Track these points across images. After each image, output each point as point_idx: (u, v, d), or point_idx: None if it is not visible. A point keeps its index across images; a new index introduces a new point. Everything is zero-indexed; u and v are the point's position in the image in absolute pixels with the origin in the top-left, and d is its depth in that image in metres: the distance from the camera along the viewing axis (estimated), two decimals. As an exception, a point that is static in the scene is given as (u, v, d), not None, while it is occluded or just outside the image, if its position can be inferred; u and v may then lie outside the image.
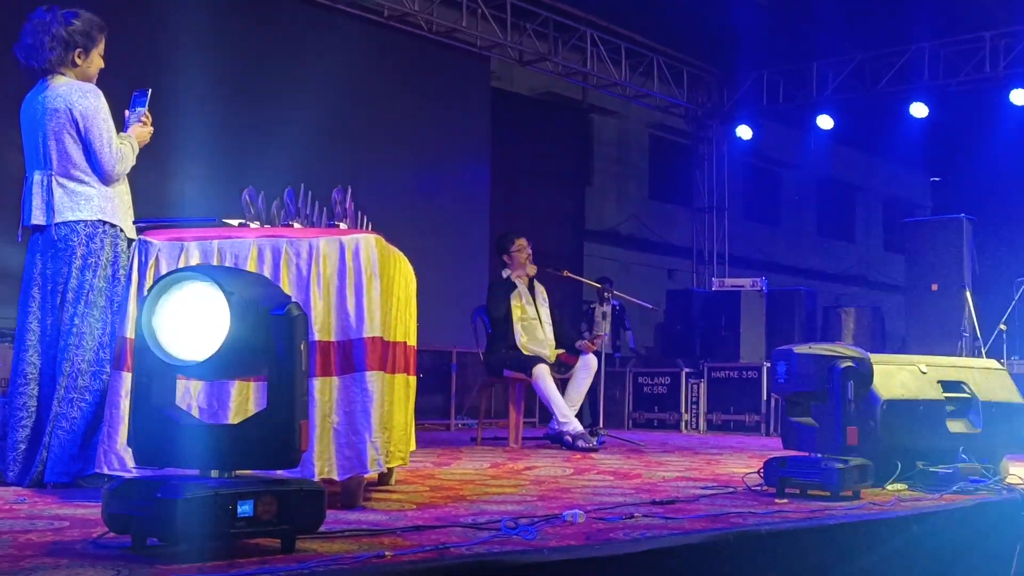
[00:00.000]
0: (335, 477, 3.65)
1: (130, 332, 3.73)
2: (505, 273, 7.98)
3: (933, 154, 16.40)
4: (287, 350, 2.73)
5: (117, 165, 4.38)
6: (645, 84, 14.16)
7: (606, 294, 8.99)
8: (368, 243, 3.80)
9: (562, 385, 7.71)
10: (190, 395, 3.66)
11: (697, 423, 11.16)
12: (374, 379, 3.71)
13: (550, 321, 7.98)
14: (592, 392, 8.03)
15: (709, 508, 3.81)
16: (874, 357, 4.76)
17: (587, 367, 7.82)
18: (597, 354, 7.93)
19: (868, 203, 22.52)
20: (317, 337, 3.67)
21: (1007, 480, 4.72)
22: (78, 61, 4.45)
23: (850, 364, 4.26)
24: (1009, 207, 14.05)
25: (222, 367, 2.76)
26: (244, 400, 3.69)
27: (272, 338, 2.71)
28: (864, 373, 4.34)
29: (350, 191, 4.23)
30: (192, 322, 2.73)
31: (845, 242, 21.75)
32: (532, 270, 7.95)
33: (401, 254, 4.36)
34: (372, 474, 3.89)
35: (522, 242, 8.00)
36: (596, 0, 12.65)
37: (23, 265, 4.44)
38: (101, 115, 4.36)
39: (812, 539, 3.32)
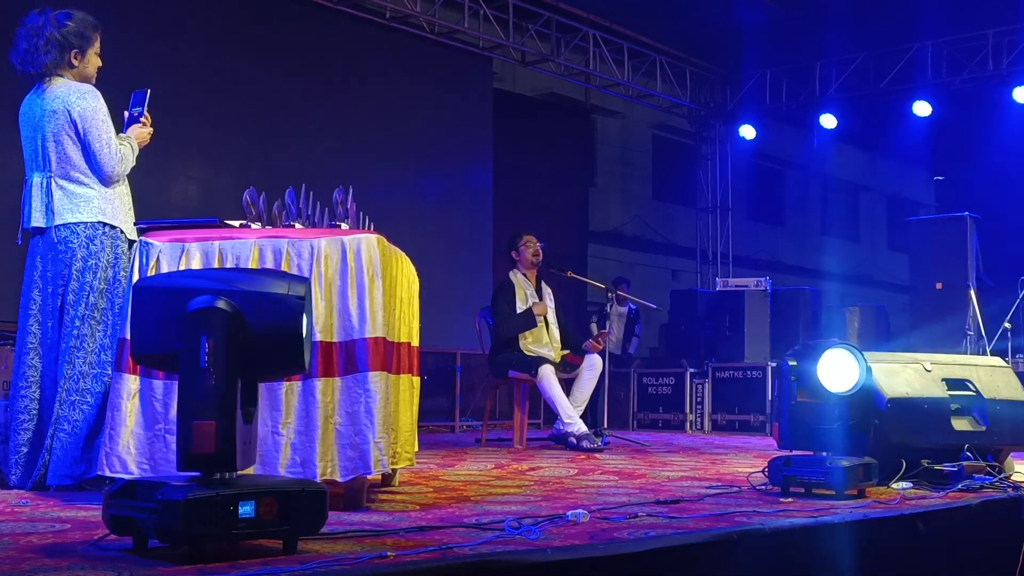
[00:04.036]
0: (338, 478, 3.64)
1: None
2: (511, 274, 7.98)
3: (937, 152, 16.38)
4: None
5: (117, 166, 4.37)
6: (648, 84, 14.14)
7: (610, 294, 8.96)
8: (370, 243, 3.79)
9: (567, 385, 7.70)
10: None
11: (702, 423, 11.14)
12: (377, 379, 3.70)
13: (556, 323, 7.97)
14: (596, 392, 8.02)
15: (713, 507, 3.79)
16: (879, 355, 4.74)
17: (592, 367, 7.80)
18: (602, 354, 7.92)
19: (872, 202, 22.50)
20: (319, 337, 3.66)
21: (1012, 478, 4.70)
22: (75, 62, 4.44)
23: (793, 363, 4.26)
24: (1013, 205, 14.02)
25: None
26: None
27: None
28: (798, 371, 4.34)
29: (352, 191, 4.22)
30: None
31: (849, 241, 21.71)
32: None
33: (403, 254, 4.35)
34: (375, 475, 3.88)
35: (530, 237, 8.01)
36: (598, 0, 12.62)
37: (24, 268, 4.44)
38: (100, 116, 4.35)
39: (817, 538, 3.31)
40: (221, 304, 2.65)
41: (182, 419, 2.65)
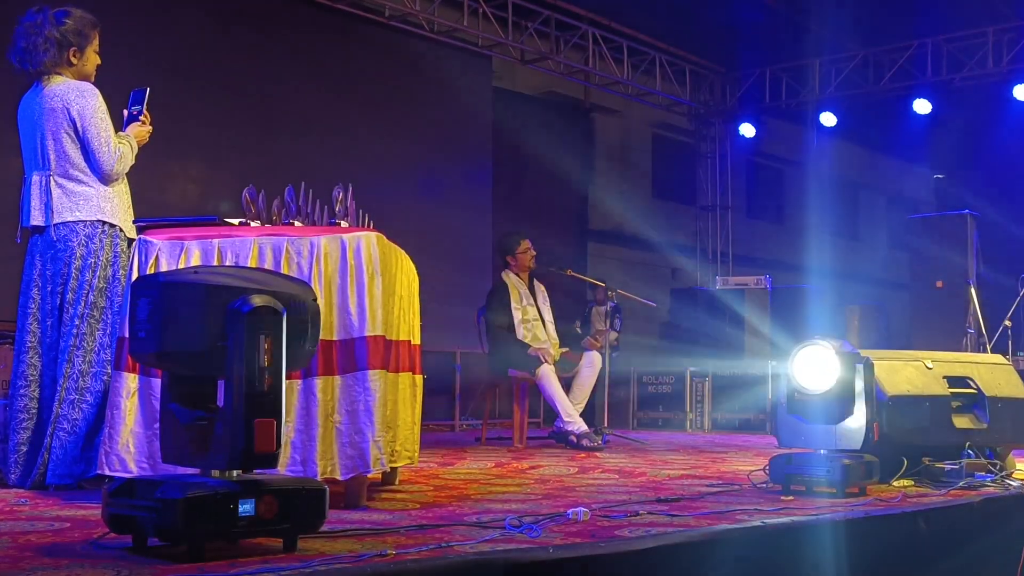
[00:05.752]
0: (338, 477, 3.64)
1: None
2: (504, 275, 7.95)
3: (937, 150, 16.36)
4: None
5: (116, 164, 4.36)
6: (647, 82, 14.13)
7: (611, 293, 8.95)
8: (369, 241, 3.78)
9: (567, 383, 7.69)
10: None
11: (702, 422, 11.13)
12: (376, 378, 3.69)
13: (552, 320, 7.97)
14: (596, 391, 8.01)
15: (714, 506, 3.79)
16: (880, 353, 4.74)
17: (591, 364, 7.81)
18: (601, 351, 7.91)
19: (872, 200, 22.46)
20: (319, 335, 3.64)
21: (1013, 475, 4.70)
22: (73, 60, 4.43)
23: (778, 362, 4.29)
24: (1013, 203, 14.01)
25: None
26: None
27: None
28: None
29: (351, 189, 4.21)
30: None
31: (849, 240, 21.68)
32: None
33: (403, 252, 4.34)
34: (376, 474, 3.87)
35: (526, 244, 7.99)
36: (597, -2, 12.62)
37: (23, 267, 4.43)
38: (99, 114, 4.34)
39: (818, 536, 3.30)
40: (275, 304, 2.70)
41: (238, 417, 2.63)
